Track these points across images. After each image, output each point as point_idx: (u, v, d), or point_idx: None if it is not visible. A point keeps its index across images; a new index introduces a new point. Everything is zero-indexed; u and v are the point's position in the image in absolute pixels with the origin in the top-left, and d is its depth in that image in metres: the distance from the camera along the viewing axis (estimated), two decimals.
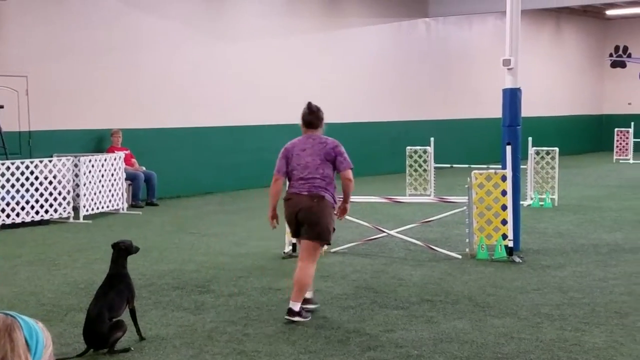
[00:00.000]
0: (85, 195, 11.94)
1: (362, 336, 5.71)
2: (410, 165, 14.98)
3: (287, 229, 8.95)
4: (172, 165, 15.00)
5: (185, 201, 14.42)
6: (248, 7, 16.51)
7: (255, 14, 16.63)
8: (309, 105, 6.60)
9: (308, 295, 6.31)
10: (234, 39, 16.19)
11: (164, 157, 14.87)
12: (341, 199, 6.51)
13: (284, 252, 8.85)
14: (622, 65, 29.05)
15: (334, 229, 6.34)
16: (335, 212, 6.37)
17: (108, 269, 5.71)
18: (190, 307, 6.58)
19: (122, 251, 5.71)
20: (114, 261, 5.68)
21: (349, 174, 6.34)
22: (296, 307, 6.13)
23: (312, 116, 6.48)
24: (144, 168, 13.95)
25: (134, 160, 13.90)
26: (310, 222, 6.16)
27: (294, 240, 8.84)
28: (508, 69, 9.02)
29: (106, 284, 5.60)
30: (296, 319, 6.10)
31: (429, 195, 14.06)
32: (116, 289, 5.54)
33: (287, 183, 6.51)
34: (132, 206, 13.32)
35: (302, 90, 17.60)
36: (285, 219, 6.38)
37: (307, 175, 6.23)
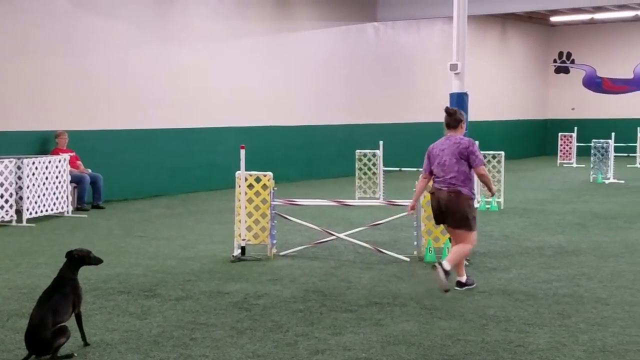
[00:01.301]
0: (28, 198, 11.69)
1: (310, 339, 5.71)
2: (360, 169, 15.06)
3: (236, 233, 8.94)
4: (119, 168, 14.79)
5: (133, 204, 14.23)
6: (197, 10, 16.40)
7: (204, 16, 16.52)
8: (447, 108, 7.52)
9: (447, 266, 7.10)
10: (182, 41, 16.05)
11: (111, 160, 14.66)
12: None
13: (233, 256, 8.80)
14: (566, 71, 29.74)
15: (474, 217, 7.34)
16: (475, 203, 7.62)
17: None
18: (136, 312, 6.49)
19: (74, 260, 5.54)
20: (64, 267, 5.52)
21: (481, 170, 7.30)
22: (463, 279, 7.33)
23: (450, 118, 7.38)
24: (89, 170, 13.72)
25: (79, 162, 13.66)
26: (451, 213, 7.25)
27: (243, 244, 8.83)
28: (455, 73, 9.17)
29: (51, 287, 5.43)
30: (465, 288, 7.27)
31: (378, 199, 14.15)
32: (61, 292, 5.37)
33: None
34: (77, 209, 13.09)
35: (251, 93, 17.57)
36: (432, 210, 7.53)
37: (445, 172, 7.23)
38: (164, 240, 10.20)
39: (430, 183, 7.53)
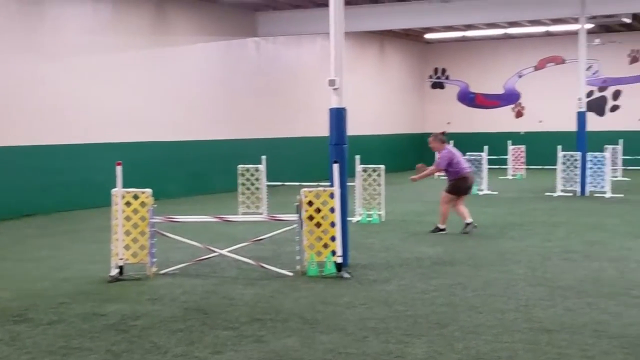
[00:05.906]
0: None
1: None
2: (242, 184, 14.96)
3: (113, 252, 8.64)
4: None
5: (2, 225, 13.54)
6: (70, 22, 15.86)
7: (76, 29, 16.00)
8: (442, 132, 12.72)
9: (470, 220, 12.04)
10: (55, 56, 15.48)
11: None
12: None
13: (110, 276, 8.51)
14: (441, 86, 30.83)
15: None
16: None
17: None
18: (4, 338, 6.15)
19: None
20: None
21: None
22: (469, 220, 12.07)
23: (444, 137, 12.49)
24: None
25: None
26: (471, 186, 12.51)
27: (120, 263, 8.55)
28: (334, 89, 9.25)
29: None
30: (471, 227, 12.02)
31: (262, 214, 14.10)
32: None
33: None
34: None
35: (129, 108, 17.16)
36: (462, 188, 12.19)
37: (467, 165, 12.33)
38: (36, 261, 9.75)
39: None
